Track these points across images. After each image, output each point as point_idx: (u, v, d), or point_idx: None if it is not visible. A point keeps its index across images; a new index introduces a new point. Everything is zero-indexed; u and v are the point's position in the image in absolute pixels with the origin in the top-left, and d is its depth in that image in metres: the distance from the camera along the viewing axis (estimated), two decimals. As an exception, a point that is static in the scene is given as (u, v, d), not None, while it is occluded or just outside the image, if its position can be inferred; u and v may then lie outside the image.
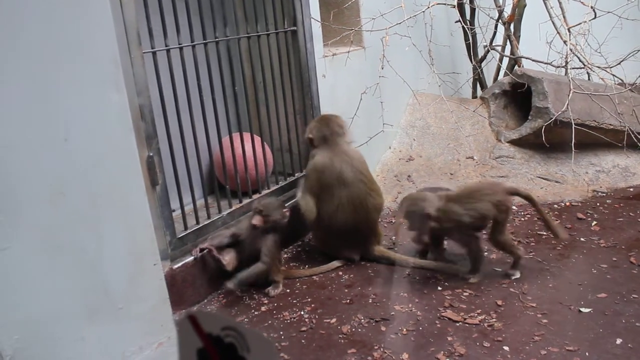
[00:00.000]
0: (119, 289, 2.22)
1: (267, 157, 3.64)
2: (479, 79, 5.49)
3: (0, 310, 1.84)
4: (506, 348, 2.54)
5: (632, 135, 4.26)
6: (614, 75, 4.76)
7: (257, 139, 3.59)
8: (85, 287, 2.09)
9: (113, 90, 2.11)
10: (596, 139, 4.42)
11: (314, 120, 3.57)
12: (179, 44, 3.00)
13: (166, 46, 2.92)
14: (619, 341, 2.52)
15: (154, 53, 2.85)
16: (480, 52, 5.41)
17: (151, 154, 2.79)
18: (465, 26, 4.92)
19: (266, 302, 3.07)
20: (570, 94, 4.09)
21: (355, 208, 3.36)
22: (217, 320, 0.75)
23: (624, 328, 2.59)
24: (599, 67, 4.68)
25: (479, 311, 2.83)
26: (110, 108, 2.12)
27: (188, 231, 3.08)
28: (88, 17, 2.04)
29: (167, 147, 2.96)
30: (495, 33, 5.36)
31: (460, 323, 2.75)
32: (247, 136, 3.49)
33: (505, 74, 5.06)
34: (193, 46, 3.09)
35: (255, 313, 2.97)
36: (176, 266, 2.96)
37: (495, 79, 5.41)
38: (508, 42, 5.25)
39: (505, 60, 5.33)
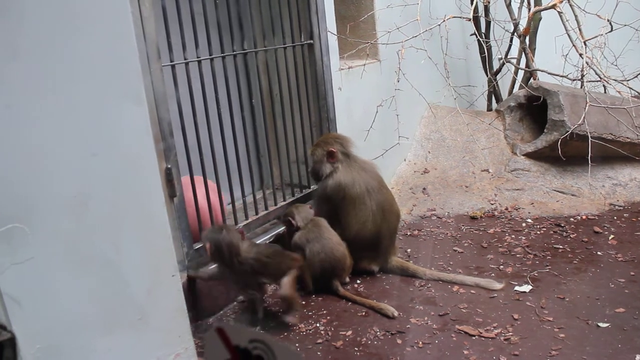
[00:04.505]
0: (138, 299, 2.24)
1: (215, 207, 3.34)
2: (494, 91, 5.50)
3: (22, 319, 1.87)
4: (523, 362, 2.53)
5: (650, 149, 4.24)
6: (630, 88, 4.74)
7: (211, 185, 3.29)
8: (106, 297, 2.11)
9: (135, 103, 2.14)
10: (613, 152, 4.40)
11: (324, 138, 3.53)
12: (198, 57, 3.04)
13: (185, 59, 2.96)
14: (638, 357, 2.50)
15: (172, 66, 2.89)
16: (496, 65, 5.42)
17: (169, 166, 2.83)
18: (480, 39, 4.93)
19: (283, 314, 3.07)
20: (587, 107, 4.08)
21: (385, 214, 3.39)
22: (245, 332, 0.76)
23: (642, 343, 2.57)
24: (615, 80, 4.66)
25: (495, 325, 2.82)
26: (132, 121, 2.16)
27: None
28: (112, 32, 2.07)
29: (184, 159, 2.99)
30: (510, 46, 5.37)
31: (476, 337, 2.74)
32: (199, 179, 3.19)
33: (521, 87, 5.06)
34: (211, 59, 3.13)
35: (271, 325, 2.98)
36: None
37: (511, 91, 5.41)
38: (523, 55, 5.25)
39: (521, 73, 5.33)
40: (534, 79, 5.02)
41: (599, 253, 3.52)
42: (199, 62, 3.06)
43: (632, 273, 3.22)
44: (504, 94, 5.50)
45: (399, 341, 2.75)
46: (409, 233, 3.99)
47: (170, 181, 2.84)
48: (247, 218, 3.38)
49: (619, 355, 2.51)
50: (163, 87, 2.79)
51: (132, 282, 2.20)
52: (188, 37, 2.97)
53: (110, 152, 2.10)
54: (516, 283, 3.20)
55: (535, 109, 4.79)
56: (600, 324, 2.77)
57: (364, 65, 4.16)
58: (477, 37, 4.99)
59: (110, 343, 2.13)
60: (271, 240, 3.42)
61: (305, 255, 3.23)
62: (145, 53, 2.67)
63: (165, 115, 2.80)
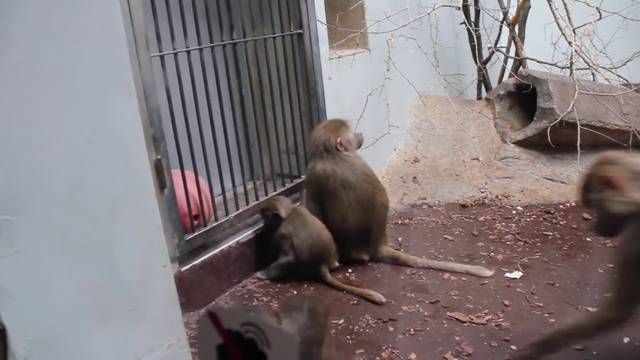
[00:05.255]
0: (130, 290, 2.24)
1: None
2: (484, 80, 5.51)
3: (14, 311, 1.86)
4: (514, 347, 2.55)
5: (638, 136, 4.26)
6: (619, 75, 4.77)
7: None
8: (98, 289, 2.11)
9: (124, 94, 2.14)
10: (601, 140, 4.42)
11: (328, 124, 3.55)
12: (187, 48, 3.02)
13: (174, 50, 2.95)
14: (626, 340, 2.53)
15: (161, 57, 2.87)
16: (485, 54, 5.43)
17: (159, 157, 2.81)
18: (470, 28, 4.94)
19: (276, 304, 3.08)
20: (576, 95, 4.10)
21: (364, 208, 3.38)
22: (237, 316, 0.76)
23: (631, 327, 2.59)
24: (604, 68, 4.69)
25: (486, 311, 2.84)
26: (122, 111, 2.15)
27: (196, 234, 3.09)
28: (101, 22, 2.06)
29: (174, 150, 2.98)
30: (499, 34, 5.38)
31: (467, 323, 2.76)
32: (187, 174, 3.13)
33: (510, 75, 5.07)
34: (200, 50, 3.12)
35: (264, 314, 2.98)
36: (184, 268, 2.98)
37: (500, 80, 5.42)
38: (513, 44, 5.26)
39: (510, 62, 5.35)
40: (524, 68, 5.04)
41: (588, 239, 3.55)
42: (188, 52, 3.04)
43: (621, 258, 3.25)
44: (494, 83, 5.52)
45: (391, 328, 2.76)
46: (399, 222, 4.01)
47: (160, 172, 2.83)
48: (237, 208, 3.38)
49: (608, 339, 2.53)
50: (152, 77, 2.77)
51: (124, 274, 2.20)
52: (177, 27, 2.95)
53: (101, 143, 2.09)
54: (506, 270, 3.22)
55: (524, 97, 4.80)
56: (590, 309, 2.79)
57: (354, 54, 4.15)
58: (466, 25, 4.99)
59: (103, 334, 2.13)
60: (259, 231, 3.42)
61: (294, 244, 3.24)
62: (134, 43, 2.65)
63: (154, 106, 2.79)
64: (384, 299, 3.00)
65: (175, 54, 2.96)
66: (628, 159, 2.13)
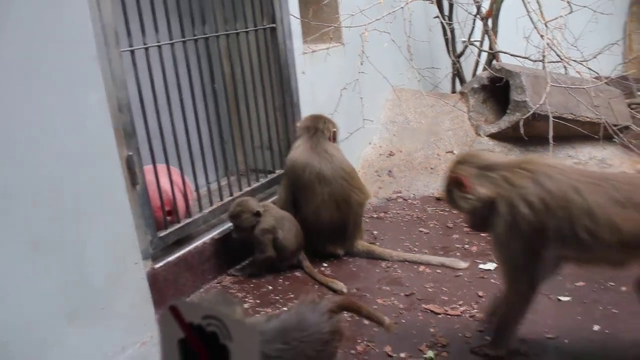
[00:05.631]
0: (101, 288, 2.22)
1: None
2: (458, 74, 5.54)
3: (-20, 311, 1.83)
4: (488, 338, 2.58)
5: (608, 128, 4.32)
6: (590, 68, 4.83)
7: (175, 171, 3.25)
8: (67, 287, 2.08)
9: (92, 89, 2.11)
10: (573, 132, 4.48)
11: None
12: (158, 42, 2.99)
13: (144, 44, 2.91)
14: (596, 327, 2.58)
15: (132, 52, 2.83)
16: (459, 48, 5.45)
17: (130, 153, 2.77)
18: (443, 22, 4.95)
19: (250, 299, 3.07)
20: (548, 88, 4.14)
21: (338, 205, 3.38)
22: (199, 309, 0.75)
23: (601, 315, 2.64)
24: (575, 61, 4.74)
25: (460, 302, 2.86)
26: (89, 107, 2.12)
27: (169, 230, 3.06)
28: (66, 16, 2.03)
29: (147, 147, 2.95)
30: (473, 28, 5.41)
31: (442, 315, 2.78)
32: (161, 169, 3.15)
33: (484, 69, 5.11)
34: (172, 44, 3.08)
35: (239, 310, 2.97)
36: (158, 265, 2.94)
37: (474, 73, 5.46)
38: (486, 37, 5.30)
39: (484, 55, 5.38)
40: (497, 61, 5.08)
41: (560, 230, 3.59)
42: (159, 47, 3.00)
43: (592, 248, 3.30)
44: (468, 76, 5.55)
45: (366, 322, 2.76)
46: (375, 215, 4.02)
47: (131, 169, 2.79)
48: (211, 204, 3.36)
49: (579, 327, 2.58)
50: (122, 73, 2.73)
51: (94, 271, 2.18)
52: (147, 21, 2.91)
53: (68, 139, 2.06)
54: (481, 261, 3.25)
55: (498, 91, 4.84)
56: (562, 298, 2.83)
57: (328, 48, 4.15)
58: (440, 19, 5.01)
59: (73, 333, 2.11)
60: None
61: (279, 237, 3.24)
62: (103, 38, 2.60)
63: (125, 102, 2.75)
64: (345, 289, 3.04)
65: (146, 49, 2.92)
66: (478, 156, 2.35)
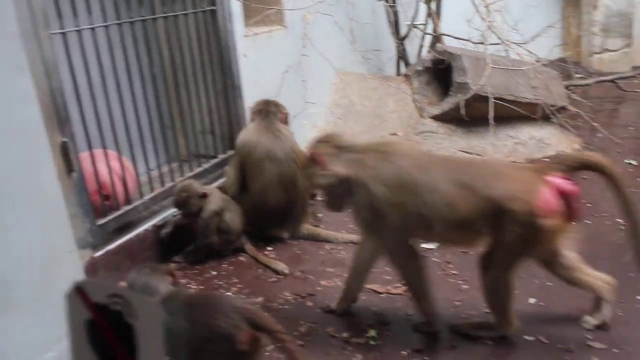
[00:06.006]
0: (33, 278, 2.15)
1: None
2: (402, 56, 5.58)
3: None
4: (428, 315, 2.63)
5: (546, 108, 4.44)
6: (529, 51, 4.94)
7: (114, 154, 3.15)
8: (-4, 277, 2.02)
9: (14, 70, 2.03)
10: (513, 113, 4.58)
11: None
12: (91, 25, 2.89)
13: (77, 27, 2.81)
14: (532, 300, 2.67)
15: (63, 34, 2.74)
16: (403, 31, 5.49)
17: (65, 139, 2.68)
18: (386, 4, 4.97)
19: (195, 285, 3.04)
20: (488, 69, 4.21)
21: (286, 187, 3.37)
22: (104, 288, 0.74)
23: (537, 288, 2.73)
24: (515, 44, 4.83)
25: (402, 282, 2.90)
26: (12, 90, 2.04)
27: (109, 218, 2.99)
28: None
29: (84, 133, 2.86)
30: (416, 11, 5.45)
31: (384, 294, 2.82)
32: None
33: (428, 52, 5.16)
34: (106, 27, 2.99)
35: (182, 296, 2.94)
36: (98, 254, 2.87)
37: (419, 56, 5.51)
38: (430, 20, 5.35)
39: (428, 38, 5.44)
40: (440, 44, 5.13)
41: (500, 208, 3.67)
42: (93, 29, 2.91)
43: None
44: (413, 59, 5.60)
45: (310, 303, 2.79)
46: (320, 198, 4.02)
47: (66, 155, 2.70)
48: (153, 190, 3.30)
49: (516, 300, 2.64)
50: (53, 56, 2.63)
51: (24, 261, 2.11)
52: (79, 3, 2.82)
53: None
54: (423, 240, 3.29)
55: (441, 73, 4.90)
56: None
57: (270, 32, 4.11)
58: (383, 2, 5.03)
59: (5, 327, 2.04)
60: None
61: (226, 219, 3.22)
62: (30, 19, 2.50)
63: (57, 87, 2.65)
64: (287, 270, 3.07)
65: (79, 32, 2.83)
66: (337, 137, 2.52)
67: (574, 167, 2.28)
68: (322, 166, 2.39)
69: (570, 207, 2.22)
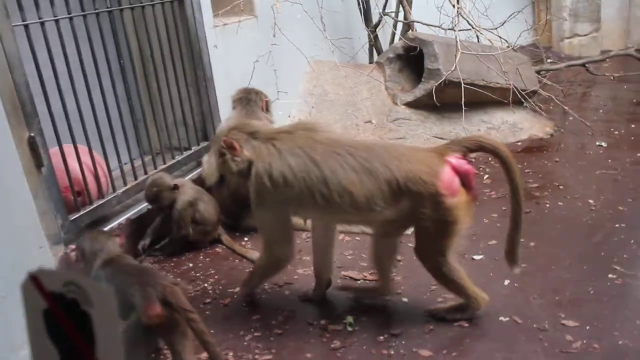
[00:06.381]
0: (2, 276, 2.11)
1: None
2: (374, 44, 5.57)
3: None
4: (405, 300, 2.65)
5: (517, 93, 4.48)
6: (500, 37, 4.97)
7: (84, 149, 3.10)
8: (-38, 275, 1.98)
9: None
10: (485, 98, 4.61)
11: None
12: (55, 17, 2.84)
13: (40, 19, 2.76)
14: (506, 282, 2.70)
15: (25, 26, 2.68)
16: (375, 18, 5.48)
17: (32, 134, 2.64)
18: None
19: (171, 277, 3.01)
20: (458, 55, 4.23)
21: None
22: (59, 276, 0.72)
23: (510, 271, 2.74)
24: (485, 29, 4.86)
25: (379, 268, 2.91)
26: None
27: (81, 213, 2.95)
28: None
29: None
30: (387, -1, 5.45)
31: (360, 280, 2.83)
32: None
33: (400, 39, 5.16)
34: (70, 18, 2.94)
35: (158, 290, 2.92)
36: (71, 249, 2.83)
37: (391, 44, 5.51)
38: (401, 8, 5.35)
39: (400, 26, 5.44)
40: (412, 31, 5.14)
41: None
42: (57, 21, 2.85)
43: (504, 208, 3.43)
44: (385, 47, 5.60)
45: (287, 292, 2.79)
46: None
47: (35, 150, 2.65)
48: (125, 184, 3.26)
49: (491, 283, 2.69)
50: (16, 49, 2.58)
51: (-8, 258, 2.07)
52: (41, -6, 2.76)
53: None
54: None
55: (413, 60, 4.91)
56: (475, 257, 2.94)
57: (239, 21, 4.07)
58: (354, -10, 5.01)
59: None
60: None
61: (200, 209, 3.20)
62: (-10, 12, 2.45)
63: (21, 81, 2.60)
64: None
65: (42, 23, 2.77)
66: (248, 124, 2.63)
67: (470, 148, 2.34)
68: (235, 153, 2.44)
69: (468, 186, 2.31)
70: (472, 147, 2.35)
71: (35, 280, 0.74)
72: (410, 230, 3.19)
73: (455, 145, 2.36)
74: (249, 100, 3.50)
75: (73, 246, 2.60)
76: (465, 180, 2.30)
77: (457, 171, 2.28)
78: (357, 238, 3.24)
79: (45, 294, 0.73)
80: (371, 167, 2.28)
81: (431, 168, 2.26)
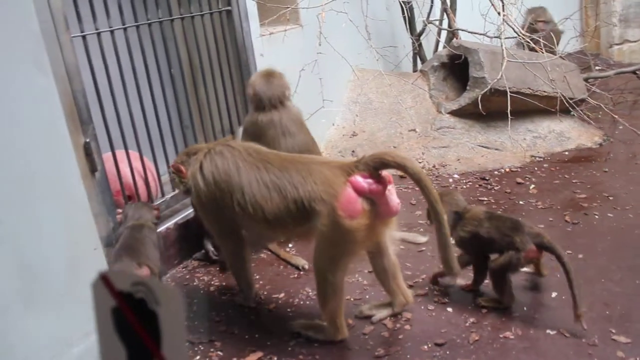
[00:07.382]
0: (59, 275, 2.20)
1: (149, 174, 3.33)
2: (418, 52, 5.57)
3: None
4: (450, 309, 2.63)
5: (564, 101, 4.41)
6: (546, 44, 4.91)
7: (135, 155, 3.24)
8: (23, 275, 2.06)
9: (36, 72, 2.07)
10: (532, 106, 4.56)
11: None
12: (110, 27, 2.94)
13: (96, 30, 2.87)
14: (554, 294, 2.65)
15: (83, 37, 2.79)
16: (419, 27, 5.48)
17: (88, 140, 2.74)
18: (401, 1, 4.97)
19: (216, 282, 3.08)
20: (504, 63, 4.19)
21: None
22: (128, 277, 0.76)
23: (558, 282, 2.70)
24: (531, 36, 4.81)
25: (423, 277, 2.94)
26: (35, 91, 2.08)
27: (132, 217, 3.04)
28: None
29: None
30: (432, 7, 5.45)
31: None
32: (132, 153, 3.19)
33: (444, 47, 5.15)
34: (125, 29, 3.04)
35: (203, 292, 2.98)
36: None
37: (435, 52, 5.50)
38: (445, 16, 5.34)
39: (444, 34, 5.42)
40: (456, 39, 5.12)
41: (520, 202, 3.67)
42: (112, 32, 2.96)
43: (551, 219, 3.38)
44: (430, 55, 5.59)
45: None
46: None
47: (89, 155, 2.76)
48: (173, 190, 3.33)
49: (539, 295, 2.66)
50: (75, 59, 2.69)
51: (51, 258, 2.16)
52: (98, 6, 2.87)
53: (14, 125, 2.02)
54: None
55: (457, 68, 4.89)
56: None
57: (285, 30, 4.13)
58: (398, -2, 5.02)
59: (32, 321, 2.09)
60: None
61: None
62: (52, 23, 2.55)
63: (79, 88, 2.70)
64: (307, 266, 3.10)
65: (98, 34, 2.88)
66: (191, 147, 2.85)
67: (373, 167, 2.23)
68: (183, 174, 2.63)
69: (378, 205, 2.24)
70: (375, 165, 2.23)
71: (105, 280, 0.78)
72: (451, 240, 3.20)
73: (361, 164, 2.25)
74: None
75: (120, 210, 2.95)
76: (377, 199, 2.23)
77: (360, 192, 2.21)
78: (401, 246, 3.22)
79: (115, 293, 0.77)
80: (281, 185, 2.35)
81: (333, 188, 2.24)
